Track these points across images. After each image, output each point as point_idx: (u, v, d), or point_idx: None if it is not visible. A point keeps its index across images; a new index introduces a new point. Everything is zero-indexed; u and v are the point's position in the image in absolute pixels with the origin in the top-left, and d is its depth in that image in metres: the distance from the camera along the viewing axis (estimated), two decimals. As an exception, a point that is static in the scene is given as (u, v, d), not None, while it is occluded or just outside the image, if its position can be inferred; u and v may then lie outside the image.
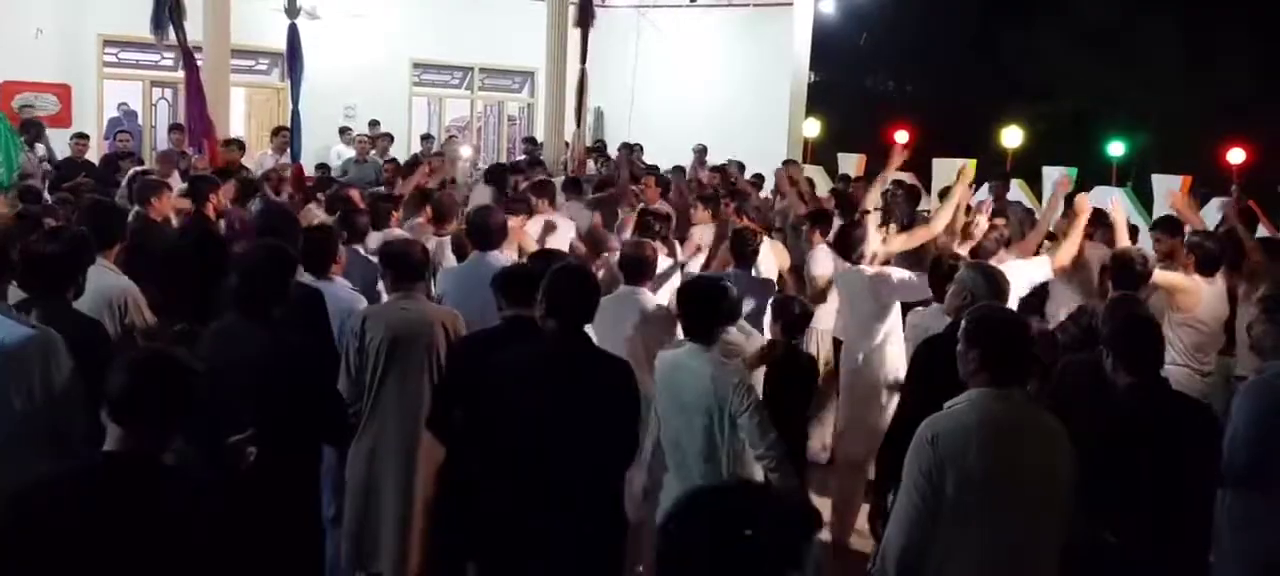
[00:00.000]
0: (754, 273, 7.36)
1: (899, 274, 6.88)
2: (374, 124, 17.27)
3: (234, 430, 4.16)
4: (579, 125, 15.98)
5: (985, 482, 3.70)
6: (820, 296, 8.09)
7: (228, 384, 4.44)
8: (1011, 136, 18.88)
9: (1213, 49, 26.48)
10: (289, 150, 13.85)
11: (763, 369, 5.77)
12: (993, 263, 6.65)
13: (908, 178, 15.69)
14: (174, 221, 8.05)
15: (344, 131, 17.26)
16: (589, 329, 5.10)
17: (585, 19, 16.03)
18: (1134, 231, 7.65)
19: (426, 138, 17.86)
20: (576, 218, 9.80)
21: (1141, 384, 4.29)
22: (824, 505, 6.84)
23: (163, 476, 2.96)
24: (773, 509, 2.25)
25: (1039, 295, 6.60)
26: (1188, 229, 7.82)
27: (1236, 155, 15.93)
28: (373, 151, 15.81)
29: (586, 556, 4.42)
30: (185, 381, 3.02)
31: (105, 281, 5.45)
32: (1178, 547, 4.26)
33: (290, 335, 4.78)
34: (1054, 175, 16.88)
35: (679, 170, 13.75)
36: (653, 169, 13.19)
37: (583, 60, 16.03)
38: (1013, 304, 5.63)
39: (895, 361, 6.80)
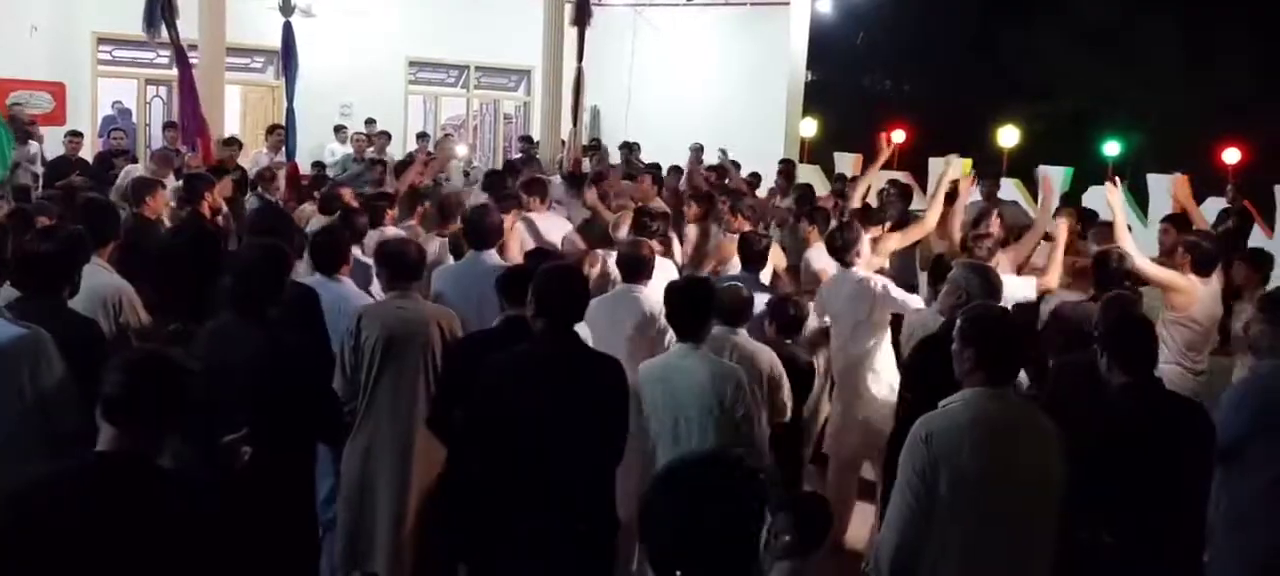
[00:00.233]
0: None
1: (895, 292, 6.84)
2: (370, 122, 17.24)
3: (229, 430, 4.15)
4: (575, 124, 15.95)
5: (979, 482, 3.70)
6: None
7: (223, 383, 4.43)
8: (1008, 136, 18.92)
9: (1212, 49, 26.52)
10: (284, 149, 13.84)
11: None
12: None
13: (902, 177, 15.70)
14: (167, 221, 8.04)
15: (339, 130, 17.25)
16: (586, 328, 5.11)
17: (582, 17, 16.01)
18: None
19: (422, 136, 17.83)
20: (576, 215, 9.80)
21: (1136, 383, 4.29)
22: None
23: (156, 476, 2.94)
24: (745, 475, 2.42)
25: (1027, 313, 6.57)
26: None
27: (1232, 155, 15.97)
28: (370, 150, 15.80)
29: (577, 555, 4.42)
30: (179, 381, 3.01)
31: (100, 280, 5.44)
32: (1172, 547, 4.26)
33: (286, 334, 4.77)
34: (1050, 174, 16.93)
35: (676, 170, 13.76)
36: (652, 166, 13.19)
37: (579, 59, 16.01)
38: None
39: (886, 359, 6.80)
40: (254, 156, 14.36)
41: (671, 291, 5.15)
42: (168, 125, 14.85)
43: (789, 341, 6.10)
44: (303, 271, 6.18)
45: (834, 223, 8.41)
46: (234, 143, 13.35)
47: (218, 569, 2.94)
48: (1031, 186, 16.48)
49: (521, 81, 21.68)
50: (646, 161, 14.68)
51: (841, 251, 7.02)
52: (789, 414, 5.48)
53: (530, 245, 7.80)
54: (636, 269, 6.18)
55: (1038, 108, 26.20)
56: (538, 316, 4.46)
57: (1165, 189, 15.44)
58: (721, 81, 20.03)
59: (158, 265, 6.93)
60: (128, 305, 5.52)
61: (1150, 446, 4.16)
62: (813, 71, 22.90)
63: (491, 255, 6.55)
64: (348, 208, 8.22)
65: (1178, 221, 8.70)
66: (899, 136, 19.75)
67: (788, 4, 19.90)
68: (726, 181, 12.90)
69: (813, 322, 7.00)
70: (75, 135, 14.18)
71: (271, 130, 14.86)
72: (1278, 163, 16.71)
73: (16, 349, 4.16)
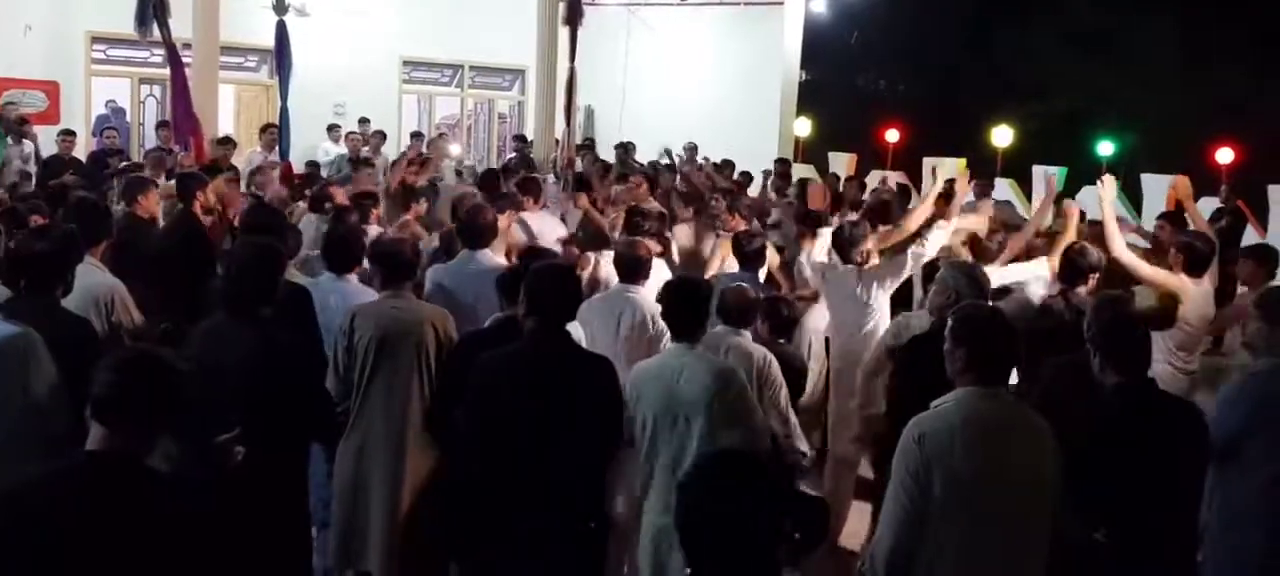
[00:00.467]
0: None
1: (886, 266, 6.88)
2: (364, 122, 17.22)
3: (222, 429, 4.15)
4: (568, 124, 15.95)
5: (972, 482, 3.71)
6: (814, 296, 8.08)
7: (216, 383, 4.43)
8: (1002, 136, 18.92)
9: (1209, 49, 26.53)
10: (278, 148, 13.82)
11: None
12: (993, 267, 6.72)
13: (897, 176, 15.72)
14: (160, 220, 8.02)
15: (332, 129, 17.23)
16: (580, 329, 5.10)
17: (574, 17, 16.01)
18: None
19: (416, 135, 17.81)
20: (571, 215, 9.81)
21: (1129, 384, 4.29)
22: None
23: (146, 476, 2.94)
24: (775, 470, 2.80)
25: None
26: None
27: (1225, 155, 15.98)
28: (366, 149, 15.78)
29: (567, 554, 4.42)
30: (169, 381, 3.00)
31: (92, 279, 5.43)
32: (1166, 547, 4.26)
33: (279, 334, 4.77)
34: (1044, 174, 16.94)
35: (669, 168, 13.78)
36: (652, 165, 13.20)
37: (571, 58, 16.01)
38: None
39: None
40: (248, 156, 14.34)
41: (667, 291, 5.15)
42: (160, 124, 14.84)
43: (782, 341, 6.10)
44: (293, 271, 6.18)
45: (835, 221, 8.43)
46: (228, 142, 13.33)
47: (209, 569, 2.93)
48: (1026, 186, 16.50)
49: (516, 81, 21.68)
50: (643, 162, 14.68)
51: (847, 247, 7.03)
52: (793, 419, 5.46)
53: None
54: (634, 269, 6.18)
55: (1032, 107, 26.17)
56: (529, 315, 4.47)
57: (1160, 189, 15.49)
58: (716, 81, 20.04)
59: (151, 264, 6.91)
60: (120, 304, 5.51)
61: (1144, 447, 4.16)
62: (807, 71, 22.90)
63: (486, 254, 6.55)
64: (338, 207, 8.22)
65: (1173, 220, 8.71)
66: (893, 135, 19.86)
67: (782, 4, 19.91)
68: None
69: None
70: (68, 134, 14.16)
71: (265, 129, 14.85)
72: (1272, 163, 16.72)
73: (11, 348, 4.16)
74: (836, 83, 31.36)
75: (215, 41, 13.91)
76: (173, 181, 9.16)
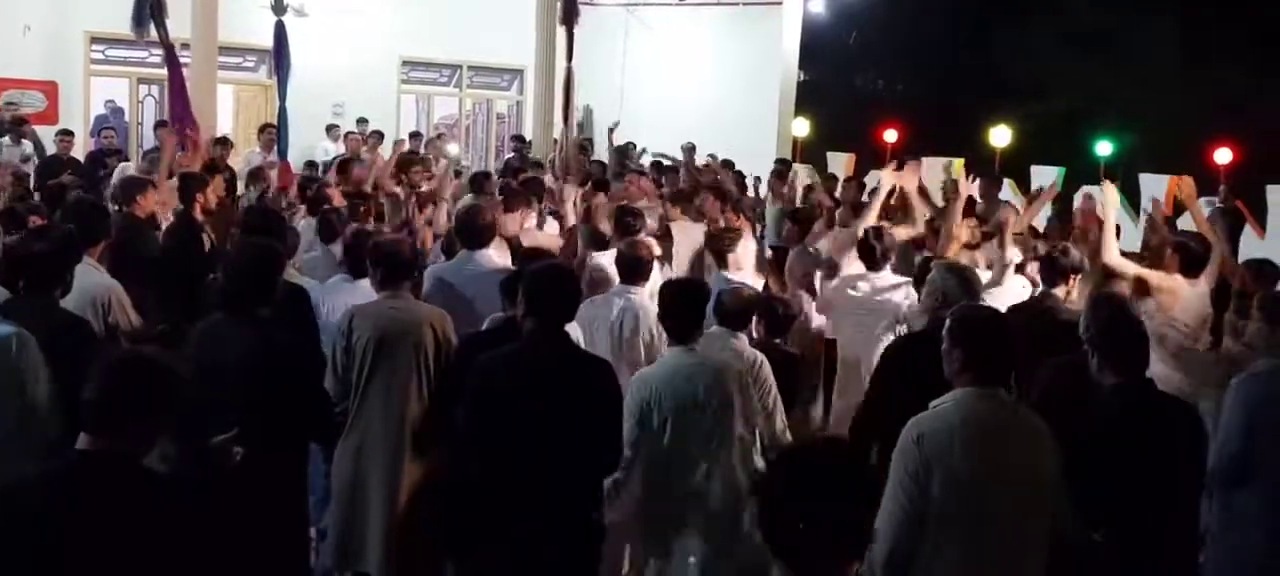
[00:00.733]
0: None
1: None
2: (362, 122, 17.21)
3: (220, 430, 4.15)
4: (566, 123, 15.95)
5: (971, 482, 3.71)
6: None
7: (215, 383, 4.44)
8: (1000, 136, 18.93)
9: (1208, 49, 26.54)
10: (276, 148, 13.80)
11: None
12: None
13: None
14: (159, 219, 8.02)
15: (331, 129, 17.22)
16: (577, 329, 5.11)
17: (570, 17, 16.00)
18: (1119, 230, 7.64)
19: (415, 135, 17.80)
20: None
21: (1128, 384, 4.30)
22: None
23: (139, 476, 2.93)
24: (858, 461, 2.75)
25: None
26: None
27: (1223, 155, 15.99)
28: (364, 149, 15.77)
29: (563, 556, 4.42)
30: (160, 382, 2.99)
31: (90, 280, 5.43)
32: (1166, 548, 4.26)
33: (278, 334, 4.77)
34: (1045, 175, 16.95)
35: (657, 165, 13.80)
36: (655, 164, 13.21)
37: (568, 58, 15.99)
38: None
39: None
40: (246, 156, 14.34)
41: (667, 292, 5.15)
42: (159, 124, 14.82)
43: (777, 341, 6.10)
44: (292, 271, 6.19)
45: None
46: (225, 142, 13.32)
47: (206, 569, 2.93)
48: (1024, 186, 16.49)
49: (514, 81, 21.67)
50: (636, 165, 14.69)
51: (874, 255, 7.03)
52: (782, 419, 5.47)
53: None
54: (634, 270, 6.17)
55: (1030, 107, 26.17)
56: (528, 316, 4.47)
57: (1158, 189, 15.48)
58: (714, 81, 20.04)
59: (150, 265, 6.92)
60: (117, 305, 5.51)
61: (1143, 447, 4.16)
62: (805, 71, 22.91)
63: (484, 254, 6.55)
64: (326, 208, 8.21)
65: (1169, 221, 8.72)
66: (891, 136, 19.88)
67: (780, 3, 19.93)
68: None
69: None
70: (66, 134, 14.15)
71: (263, 129, 14.84)
72: (1270, 163, 16.74)
73: (5, 348, 4.16)
74: (835, 82, 31.38)
75: (214, 41, 13.91)
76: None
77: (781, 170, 14.10)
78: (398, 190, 10.38)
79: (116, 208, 7.84)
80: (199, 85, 13.25)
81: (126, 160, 13.54)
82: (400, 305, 5.45)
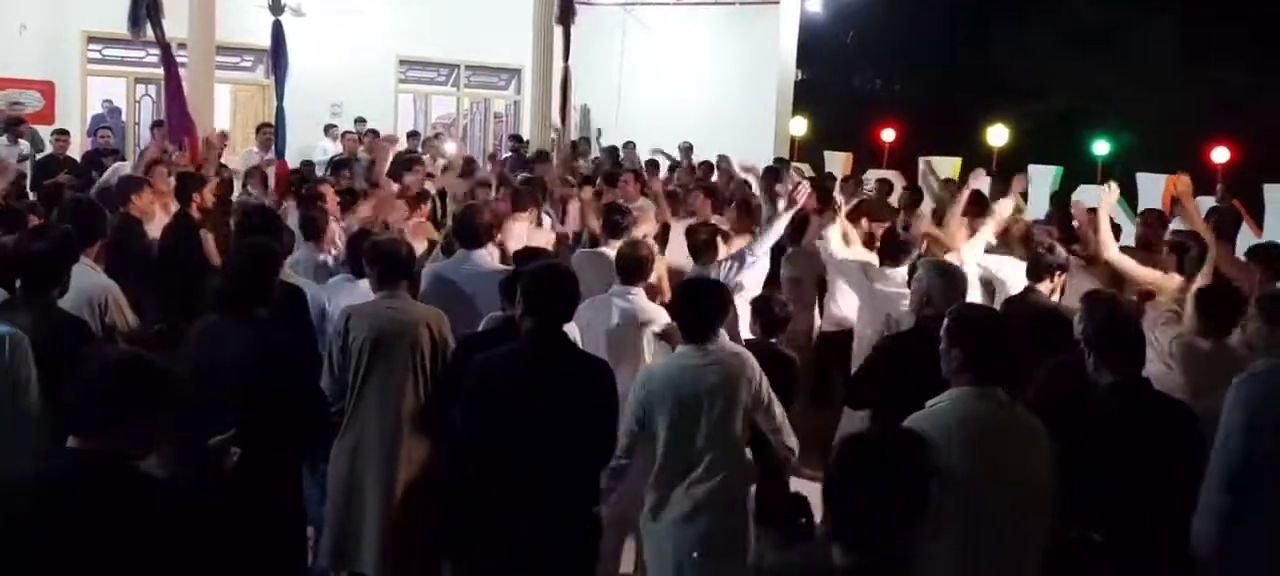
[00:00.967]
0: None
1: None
2: (360, 121, 17.21)
3: (218, 430, 4.14)
4: (563, 123, 15.95)
5: (968, 482, 3.70)
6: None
7: (212, 383, 4.44)
8: (997, 135, 18.95)
9: (1207, 47, 26.55)
10: (273, 147, 13.79)
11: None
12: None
13: (892, 175, 15.72)
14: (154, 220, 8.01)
15: (329, 128, 17.21)
16: (574, 328, 5.10)
17: (566, 16, 15.99)
18: (1117, 230, 7.63)
19: (412, 134, 17.80)
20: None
21: (1125, 383, 4.30)
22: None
23: (135, 477, 2.92)
24: (913, 446, 3.03)
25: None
26: (1172, 226, 7.83)
27: (1221, 154, 16.00)
28: (361, 149, 15.76)
29: (560, 555, 4.42)
30: (150, 382, 2.97)
31: (87, 280, 5.42)
32: (1162, 547, 4.26)
33: (275, 334, 4.77)
34: (1043, 175, 16.99)
35: (652, 165, 13.80)
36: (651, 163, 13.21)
37: (565, 57, 15.99)
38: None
39: None
40: (243, 155, 14.32)
41: (682, 292, 5.16)
42: (155, 124, 14.81)
43: (772, 340, 6.09)
44: (287, 270, 6.18)
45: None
46: (220, 140, 13.27)
47: (201, 570, 2.92)
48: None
49: (512, 80, 21.67)
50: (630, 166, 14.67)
51: (900, 253, 7.06)
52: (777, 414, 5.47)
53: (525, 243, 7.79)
54: (634, 269, 6.16)
55: (1028, 107, 26.20)
56: (526, 316, 4.46)
57: (1155, 187, 15.52)
58: (711, 80, 20.04)
59: (146, 265, 6.92)
60: (113, 305, 5.50)
61: (1139, 446, 4.16)
62: (803, 70, 22.93)
63: (481, 254, 6.55)
64: (312, 207, 8.18)
65: (1157, 218, 8.74)
66: (888, 134, 19.89)
67: (778, 3, 19.93)
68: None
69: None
70: (63, 134, 14.14)
71: (260, 129, 14.83)
72: (1268, 162, 16.76)
73: (2, 348, 4.16)
74: (832, 82, 31.40)
75: (211, 41, 13.89)
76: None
77: (775, 170, 14.08)
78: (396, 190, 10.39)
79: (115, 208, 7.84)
80: (196, 85, 13.23)
81: (123, 160, 13.52)
82: (397, 305, 5.45)
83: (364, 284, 5.94)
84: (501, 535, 4.43)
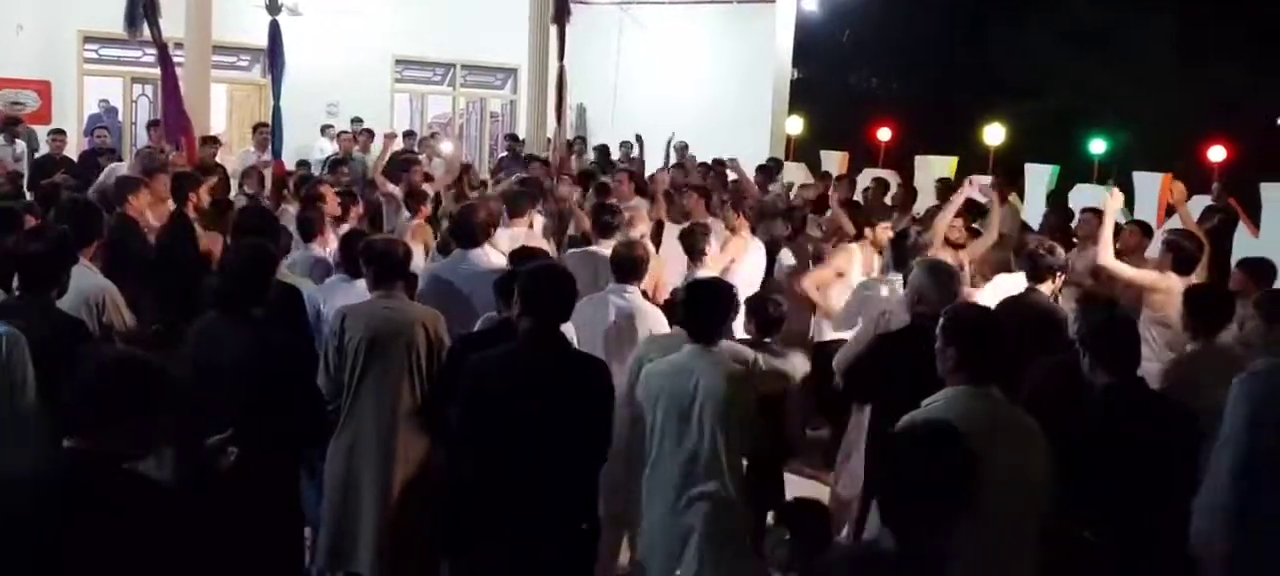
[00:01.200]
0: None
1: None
2: (356, 121, 17.20)
3: (215, 430, 4.15)
4: (559, 122, 15.93)
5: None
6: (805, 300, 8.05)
7: (210, 383, 4.45)
8: (994, 134, 18.94)
9: (1205, 46, 26.56)
10: (270, 147, 13.79)
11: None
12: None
13: (888, 175, 15.72)
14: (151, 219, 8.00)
15: (325, 128, 17.20)
16: (571, 328, 5.11)
17: (561, 15, 15.96)
18: (1117, 232, 7.65)
19: (409, 134, 17.79)
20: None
21: (1120, 383, 4.31)
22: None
23: (129, 478, 2.91)
24: (960, 438, 3.15)
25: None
26: (1165, 227, 7.85)
27: (1217, 153, 16.01)
28: (356, 148, 15.76)
29: (559, 555, 4.43)
30: (145, 383, 2.97)
31: (84, 281, 5.41)
32: (1159, 547, 4.27)
33: (273, 334, 4.78)
34: (1040, 174, 17.00)
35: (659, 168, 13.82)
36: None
37: (561, 57, 15.97)
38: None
39: None
40: (241, 155, 14.32)
41: (690, 291, 5.16)
42: (151, 124, 14.81)
43: (767, 340, 6.10)
44: (284, 270, 6.18)
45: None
46: (214, 141, 13.29)
47: (198, 570, 2.93)
48: (1019, 186, 16.52)
49: (508, 80, 21.67)
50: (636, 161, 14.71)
51: (907, 258, 7.05)
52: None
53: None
54: (629, 269, 6.16)
55: (1025, 105, 26.18)
56: (523, 316, 4.47)
57: (1151, 186, 15.53)
58: (708, 79, 20.02)
59: (143, 265, 6.91)
60: (111, 305, 5.50)
61: (1135, 445, 4.16)
62: (799, 69, 22.93)
63: (478, 253, 6.55)
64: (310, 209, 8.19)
65: (1143, 225, 8.80)
66: (884, 134, 19.89)
67: (773, 2, 19.90)
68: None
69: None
70: (59, 133, 14.12)
71: (257, 128, 14.82)
72: (1265, 161, 16.77)
73: (4, 346, 4.17)
74: (828, 81, 31.38)
75: (207, 41, 13.89)
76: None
77: (769, 169, 14.10)
78: (393, 190, 10.40)
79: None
80: (193, 85, 13.24)
81: (120, 160, 13.52)
82: (393, 305, 5.45)
83: (360, 284, 5.93)
84: (499, 535, 4.43)
